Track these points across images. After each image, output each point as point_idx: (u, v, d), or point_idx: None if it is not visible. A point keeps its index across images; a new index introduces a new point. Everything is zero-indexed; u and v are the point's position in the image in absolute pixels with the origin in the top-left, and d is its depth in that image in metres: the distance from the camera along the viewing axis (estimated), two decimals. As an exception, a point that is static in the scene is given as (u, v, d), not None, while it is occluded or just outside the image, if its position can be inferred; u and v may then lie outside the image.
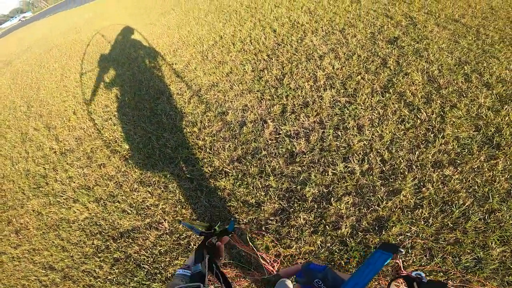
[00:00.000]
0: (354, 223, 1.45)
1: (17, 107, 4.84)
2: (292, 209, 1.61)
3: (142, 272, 1.77)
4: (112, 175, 2.43)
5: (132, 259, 1.86)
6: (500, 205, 1.29)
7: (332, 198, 1.56)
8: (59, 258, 2.18)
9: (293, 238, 1.52)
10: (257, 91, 2.35)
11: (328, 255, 1.41)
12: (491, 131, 1.55)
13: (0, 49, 13.25)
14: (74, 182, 2.64)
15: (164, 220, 1.90)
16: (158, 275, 1.71)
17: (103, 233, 2.10)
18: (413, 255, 1.27)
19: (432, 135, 1.62)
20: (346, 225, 1.45)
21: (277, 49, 2.82)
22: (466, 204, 1.33)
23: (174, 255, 1.74)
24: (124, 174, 2.36)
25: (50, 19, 17.93)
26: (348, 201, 1.53)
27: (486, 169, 1.41)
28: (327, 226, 1.49)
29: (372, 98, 1.94)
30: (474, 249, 1.22)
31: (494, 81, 1.79)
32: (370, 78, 2.08)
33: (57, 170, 2.93)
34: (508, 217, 1.25)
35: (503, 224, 1.24)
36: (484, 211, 1.30)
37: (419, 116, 1.73)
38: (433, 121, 1.67)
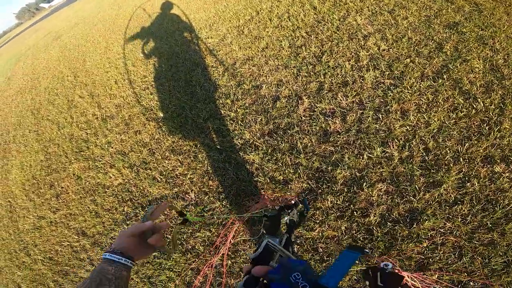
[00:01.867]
0: (385, 212, 1.37)
1: (65, 77, 5.19)
2: (320, 190, 1.56)
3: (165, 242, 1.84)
4: (146, 142, 2.52)
5: None
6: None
7: (365, 183, 1.48)
8: (91, 224, 2.32)
9: (317, 221, 1.48)
10: (294, 67, 2.25)
11: (351, 243, 1.37)
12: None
13: (50, 25, 14.17)
14: (112, 147, 2.79)
15: (191, 191, 1.95)
16: (180, 246, 1.76)
17: (133, 200, 2.21)
18: (441, 252, 1.19)
19: (487, 127, 1.43)
20: (375, 213, 1.38)
21: (316, 27, 2.65)
22: (511, 206, 1.19)
23: (196, 227, 1.78)
24: (158, 141, 2.44)
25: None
26: (381, 188, 1.43)
27: (544, 171, 1.23)
28: (355, 212, 1.43)
29: (422, 83, 1.75)
30: (507, 252, 1.12)
31: None
32: (421, 62, 1.88)
33: (98, 135, 3.12)
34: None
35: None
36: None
37: (474, 106, 1.54)
38: (491, 113, 1.48)
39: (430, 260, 1.20)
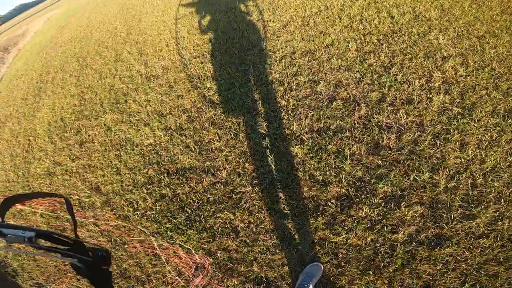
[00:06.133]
0: (413, 232, 1.50)
1: (118, 32, 5.64)
2: (358, 200, 1.67)
3: (183, 216, 1.94)
4: (187, 108, 2.72)
5: (178, 200, 2.04)
6: None
7: (403, 203, 1.59)
8: (109, 181, 2.44)
9: (346, 228, 1.60)
10: (357, 71, 2.35)
11: (371, 254, 1.50)
12: None
13: None
14: (150, 106, 3.02)
15: (224, 169, 2.08)
16: (197, 223, 1.88)
17: (160, 164, 2.33)
18: (449, 276, 1.35)
19: None
20: (404, 232, 1.50)
21: (391, 37, 2.71)
22: None
23: (221, 207, 1.90)
24: (199, 110, 2.63)
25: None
26: (418, 211, 1.55)
27: None
28: (385, 227, 1.55)
29: (491, 119, 1.81)
30: (503, 285, 1.28)
31: None
32: (497, 97, 1.91)
33: (138, 91, 3.39)
34: None
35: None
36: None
37: None
38: None
39: (436, 282, 1.35)
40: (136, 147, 2.65)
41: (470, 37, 2.47)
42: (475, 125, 1.79)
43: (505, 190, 1.51)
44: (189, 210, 1.96)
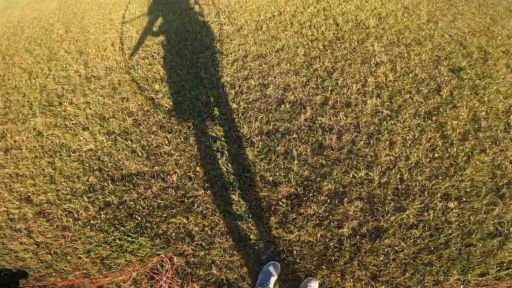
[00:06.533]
0: (356, 226, 1.67)
1: (55, 30, 5.13)
2: (306, 198, 1.81)
3: (132, 223, 1.88)
4: (132, 111, 2.61)
5: (125, 207, 1.96)
6: (477, 242, 1.54)
7: (345, 199, 1.77)
8: (42, 190, 2.22)
9: (297, 226, 1.72)
10: (304, 75, 2.51)
11: (323, 249, 1.63)
12: (503, 182, 1.74)
13: None
14: (90, 109, 2.80)
15: (174, 173, 2.05)
16: (149, 230, 1.83)
17: (103, 171, 2.20)
18: (391, 266, 1.52)
19: (453, 170, 1.81)
20: (348, 226, 1.67)
21: (334, 43, 2.95)
22: (452, 235, 1.57)
23: (173, 212, 1.88)
24: (146, 113, 2.54)
25: None
26: (358, 206, 1.73)
27: (483, 212, 1.63)
28: (331, 223, 1.70)
29: (413, 120, 2.09)
30: (438, 272, 1.49)
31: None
32: (418, 100, 2.21)
33: (76, 93, 3.12)
34: (478, 253, 1.51)
35: (471, 257, 1.51)
36: (463, 243, 1.55)
37: (449, 150, 1.90)
38: (459, 159, 1.85)
39: (381, 272, 1.52)
40: (73, 153, 2.42)
41: (399, 45, 2.82)
42: (401, 125, 2.06)
43: (428, 183, 1.76)
44: (139, 217, 1.89)
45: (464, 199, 1.68)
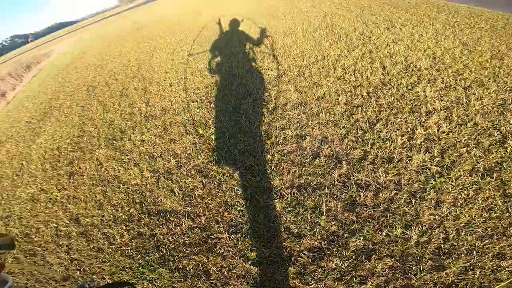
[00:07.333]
0: (382, 283, 1.52)
1: (130, 66, 6.23)
2: (329, 252, 1.73)
3: (157, 254, 2.04)
4: (177, 153, 2.93)
5: (155, 239, 2.16)
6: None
7: (374, 256, 1.64)
8: (90, 214, 2.58)
9: (316, 278, 1.64)
10: (343, 127, 2.49)
11: None
12: None
13: (138, 16, 16.81)
14: (143, 147, 3.25)
15: (204, 215, 2.21)
16: (170, 263, 1.97)
17: (143, 204, 2.48)
18: None
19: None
20: (372, 283, 1.53)
21: (380, 89, 2.87)
22: None
23: (195, 250, 1.99)
24: (188, 157, 2.82)
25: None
26: (387, 263, 1.58)
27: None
28: (354, 278, 1.58)
29: (469, 178, 1.85)
30: None
31: None
32: (477, 155, 1.97)
33: (135, 131, 3.65)
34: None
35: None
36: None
37: (510, 210, 1.63)
38: None
39: None
40: (122, 185, 2.81)
41: (457, 88, 2.58)
42: (452, 183, 1.83)
43: (478, 243, 1.53)
44: (164, 250, 2.06)
45: (519, 259, 1.41)
